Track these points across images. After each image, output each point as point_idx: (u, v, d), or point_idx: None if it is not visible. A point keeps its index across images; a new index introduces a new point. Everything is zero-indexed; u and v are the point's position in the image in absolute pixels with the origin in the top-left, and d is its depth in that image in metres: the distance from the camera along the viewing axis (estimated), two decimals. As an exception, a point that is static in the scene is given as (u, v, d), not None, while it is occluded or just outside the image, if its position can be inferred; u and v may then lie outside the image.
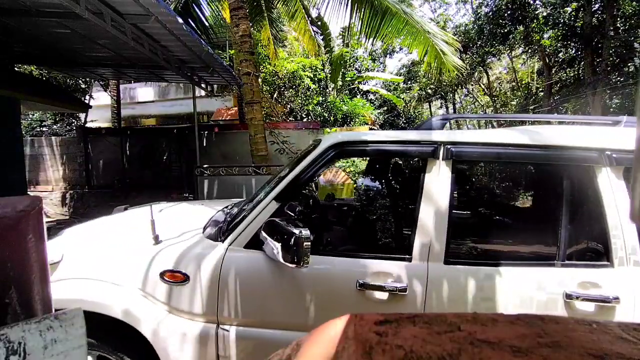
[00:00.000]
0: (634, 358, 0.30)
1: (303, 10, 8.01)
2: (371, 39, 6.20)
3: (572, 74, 13.77)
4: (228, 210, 1.94)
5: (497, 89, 18.90)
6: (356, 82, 12.35)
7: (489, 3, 13.66)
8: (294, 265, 1.20)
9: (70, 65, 5.86)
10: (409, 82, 20.31)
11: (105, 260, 1.53)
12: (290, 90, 9.62)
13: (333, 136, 1.57)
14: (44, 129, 10.94)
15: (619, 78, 11.76)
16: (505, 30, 13.11)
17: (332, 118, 9.28)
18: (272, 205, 1.44)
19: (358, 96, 13.79)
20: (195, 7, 7.22)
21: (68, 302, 1.42)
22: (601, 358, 0.30)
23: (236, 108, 10.06)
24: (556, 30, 12.33)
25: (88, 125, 9.85)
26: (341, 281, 1.38)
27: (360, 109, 9.94)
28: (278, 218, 1.39)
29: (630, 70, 11.75)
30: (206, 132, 7.99)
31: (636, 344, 0.33)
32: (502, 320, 0.37)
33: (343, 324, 0.37)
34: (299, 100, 9.74)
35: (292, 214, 1.38)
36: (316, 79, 9.99)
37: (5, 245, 0.51)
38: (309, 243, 1.17)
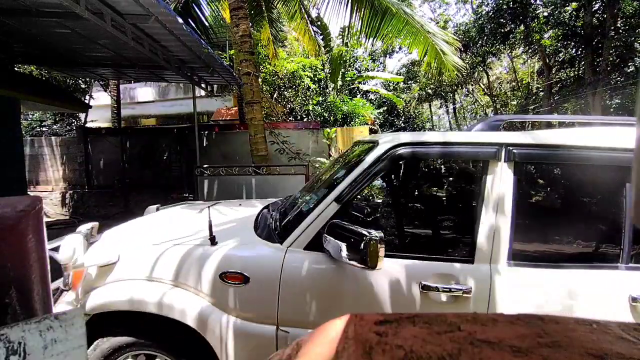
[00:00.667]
0: (634, 358, 0.30)
1: (303, 11, 8.01)
2: (371, 39, 6.19)
3: (572, 74, 13.76)
4: (277, 211, 1.94)
5: (497, 89, 18.90)
6: (356, 82, 12.35)
7: (490, 2, 13.67)
8: (362, 267, 1.19)
9: (70, 65, 5.87)
10: (409, 82, 20.32)
11: (162, 262, 1.52)
12: (290, 90, 9.62)
13: (392, 137, 1.55)
14: (44, 129, 10.95)
15: (619, 78, 11.76)
16: (506, 30, 13.11)
17: (332, 118, 9.28)
18: (332, 207, 1.43)
19: (358, 96, 13.80)
20: (195, 7, 7.22)
21: (126, 303, 1.44)
22: (601, 358, 0.30)
23: (236, 108, 10.06)
24: (556, 30, 12.32)
25: (88, 125, 9.85)
26: (404, 283, 1.37)
27: (360, 108, 9.94)
28: (340, 219, 1.38)
29: (630, 70, 11.74)
30: (206, 132, 7.99)
31: (636, 344, 0.33)
32: (502, 320, 0.37)
33: (343, 324, 0.37)
34: (299, 100, 9.74)
35: (362, 215, 1.37)
36: (316, 78, 9.99)
37: (5, 245, 0.51)
38: (383, 245, 1.17)
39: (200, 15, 7.35)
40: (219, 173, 4.79)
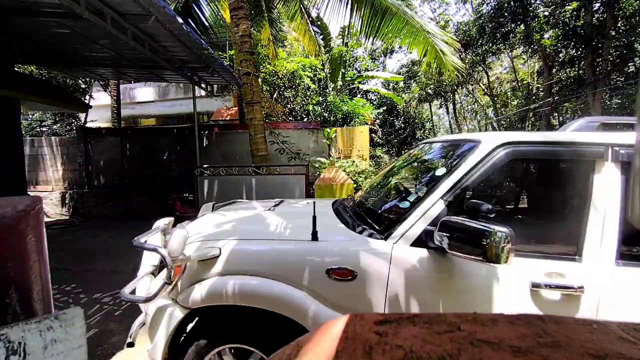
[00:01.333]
0: (634, 358, 0.30)
1: (303, 10, 8.01)
2: (371, 39, 6.19)
3: (572, 74, 13.76)
4: (374, 207, 1.94)
5: (498, 89, 18.90)
6: (356, 82, 12.35)
7: (490, 1, 13.67)
8: (489, 263, 1.20)
9: (70, 65, 5.87)
10: (409, 82, 20.32)
11: (266, 257, 1.54)
12: (290, 90, 9.62)
13: (496, 136, 1.55)
14: (44, 129, 10.95)
15: (619, 78, 11.76)
16: (506, 29, 13.11)
17: (332, 118, 9.29)
18: (439, 205, 1.45)
19: (358, 96, 13.80)
20: (195, 7, 7.22)
21: (231, 297, 1.46)
22: (601, 358, 0.30)
23: (236, 108, 10.06)
24: (557, 29, 12.32)
25: (88, 125, 9.85)
26: (514, 281, 1.38)
27: (360, 108, 9.94)
28: (450, 216, 1.39)
29: (630, 70, 11.74)
30: (206, 132, 7.99)
31: (636, 344, 0.33)
32: (502, 320, 0.37)
33: (343, 324, 0.37)
34: (299, 100, 9.74)
35: (487, 213, 1.37)
36: (316, 78, 9.99)
37: (5, 245, 0.51)
38: (513, 240, 1.18)
39: (200, 15, 7.36)
40: (219, 173, 4.79)
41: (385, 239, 1.48)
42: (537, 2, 12.79)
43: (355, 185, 5.46)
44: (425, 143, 2.40)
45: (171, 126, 10.03)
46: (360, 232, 1.60)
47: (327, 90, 11.03)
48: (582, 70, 12.70)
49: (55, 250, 5.10)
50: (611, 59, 11.38)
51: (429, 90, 19.02)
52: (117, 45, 4.66)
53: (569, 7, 11.34)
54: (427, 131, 22.45)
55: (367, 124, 9.91)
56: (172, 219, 2.08)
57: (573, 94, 13.31)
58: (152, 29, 3.74)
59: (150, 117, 13.58)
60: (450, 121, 23.16)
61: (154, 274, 1.84)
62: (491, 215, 1.30)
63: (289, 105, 9.87)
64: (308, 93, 9.83)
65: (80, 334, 0.52)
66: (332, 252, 1.48)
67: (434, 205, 1.45)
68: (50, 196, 8.24)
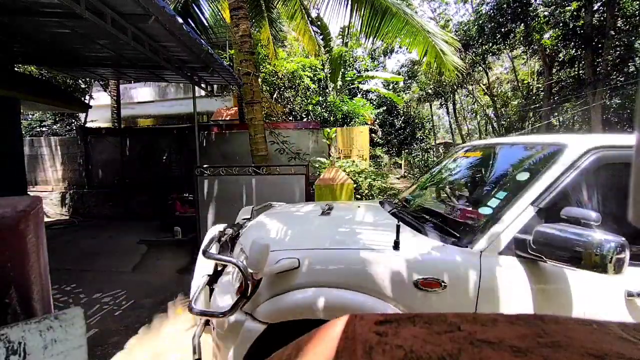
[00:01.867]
0: (634, 358, 0.30)
1: (303, 10, 8.01)
2: (371, 39, 6.20)
3: (572, 74, 13.77)
4: (438, 211, 1.89)
5: (498, 89, 18.90)
6: (356, 82, 12.35)
7: (490, 1, 13.67)
8: (600, 272, 1.15)
9: (70, 65, 5.87)
10: (409, 82, 20.32)
11: (347, 268, 1.46)
12: (290, 90, 9.62)
13: (584, 139, 1.49)
14: (44, 129, 10.95)
15: (619, 78, 11.76)
16: (506, 29, 13.11)
17: (332, 118, 9.29)
18: (528, 212, 1.40)
19: (358, 96, 13.80)
20: (195, 7, 7.22)
21: (314, 311, 1.39)
22: (601, 358, 0.30)
23: (236, 108, 10.06)
24: (557, 29, 12.33)
25: (88, 125, 9.85)
26: (610, 289, 1.34)
27: (360, 108, 9.94)
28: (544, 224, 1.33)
29: (630, 70, 11.74)
30: (206, 132, 7.99)
31: (636, 344, 0.33)
32: (502, 320, 0.37)
33: (343, 324, 0.37)
34: (299, 100, 9.74)
35: (591, 221, 1.33)
36: (316, 78, 9.99)
37: (5, 245, 0.51)
38: (627, 250, 1.14)
39: (200, 15, 7.36)
40: (218, 173, 4.79)
41: (471, 247, 1.43)
42: (537, 2, 12.79)
43: (355, 185, 5.46)
44: (471, 147, 2.32)
45: (171, 126, 10.03)
46: (442, 240, 1.54)
47: (327, 90, 11.03)
48: (582, 70, 12.70)
49: (55, 250, 5.10)
50: (611, 59, 11.38)
51: (429, 90, 19.01)
52: (117, 45, 4.66)
53: (568, 7, 11.34)
54: (427, 131, 22.44)
55: (367, 124, 9.91)
56: (225, 225, 1.99)
57: (573, 94, 13.32)
58: (152, 29, 3.74)
59: (150, 117, 13.58)
60: (450, 121, 23.15)
61: (211, 284, 1.75)
62: (596, 224, 1.24)
63: (289, 105, 9.87)
64: (308, 93, 9.83)
65: (80, 334, 0.52)
66: (419, 261, 1.41)
67: (523, 211, 1.39)
68: (50, 196, 8.24)
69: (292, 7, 7.84)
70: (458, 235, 1.53)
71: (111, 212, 7.90)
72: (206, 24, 7.55)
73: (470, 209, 1.74)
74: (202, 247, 1.67)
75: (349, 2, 5.97)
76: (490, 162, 2.06)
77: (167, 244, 5.48)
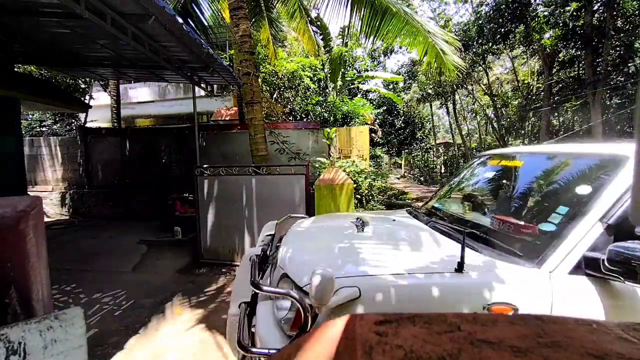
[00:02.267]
0: (634, 358, 0.30)
1: (302, 11, 8.01)
2: (371, 39, 6.19)
3: (572, 74, 13.77)
4: (486, 227, 1.81)
5: (498, 89, 18.89)
6: (356, 82, 12.35)
7: (489, 2, 13.67)
8: None
9: (70, 65, 5.87)
10: (409, 81, 20.32)
11: (416, 295, 1.35)
12: (290, 90, 9.62)
13: None
14: (44, 129, 10.94)
15: (619, 78, 11.76)
16: (506, 30, 13.11)
17: (332, 118, 9.28)
18: (597, 228, 1.32)
19: (358, 96, 13.80)
20: (195, 7, 7.22)
21: None
22: (601, 358, 0.30)
23: (236, 108, 10.06)
24: (556, 29, 12.33)
25: (88, 125, 9.85)
26: None
27: (360, 108, 9.94)
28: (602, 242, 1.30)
29: (630, 70, 11.74)
30: (206, 132, 7.99)
31: (636, 344, 0.33)
32: (502, 320, 0.37)
33: (343, 324, 0.37)
34: (299, 100, 9.74)
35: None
36: (316, 78, 9.99)
37: (5, 245, 0.51)
38: None
39: (200, 15, 7.36)
40: (218, 173, 4.79)
41: (539, 267, 1.35)
42: (537, 2, 12.79)
43: (355, 185, 5.46)
44: (490, 155, 2.22)
45: (171, 126, 10.03)
46: (503, 258, 1.45)
47: (327, 90, 11.03)
48: (582, 70, 12.71)
49: (55, 250, 5.10)
50: (611, 59, 11.38)
51: (429, 90, 19.01)
52: (117, 45, 4.66)
53: (568, 8, 11.34)
54: (427, 131, 22.44)
55: (367, 124, 9.91)
56: (260, 249, 1.85)
57: (573, 94, 13.32)
58: (152, 29, 3.74)
59: (150, 117, 13.57)
60: (450, 121, 23.15)
61: (248, 312, 1.62)
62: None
63: (289, 105, 9.87)
64: (308, 93, 9.83)
65: (80, 334, 0.52)
66: (487, 285, 1.32)
67: (592, 228, 1.32)
68: (50, 196, 8.24)
69: (291, 7, 7.84)
70: (520, 253, 1.45)
71: (111, 212, 7.90)
72: (206, 24, 7.55)
73: (522, 223, 1.64)
74: (250, 278, 1.55)
75: (349, 2, 5.96)
76: (535, 172, 1.96)
77: (167, 244, 5.48)
